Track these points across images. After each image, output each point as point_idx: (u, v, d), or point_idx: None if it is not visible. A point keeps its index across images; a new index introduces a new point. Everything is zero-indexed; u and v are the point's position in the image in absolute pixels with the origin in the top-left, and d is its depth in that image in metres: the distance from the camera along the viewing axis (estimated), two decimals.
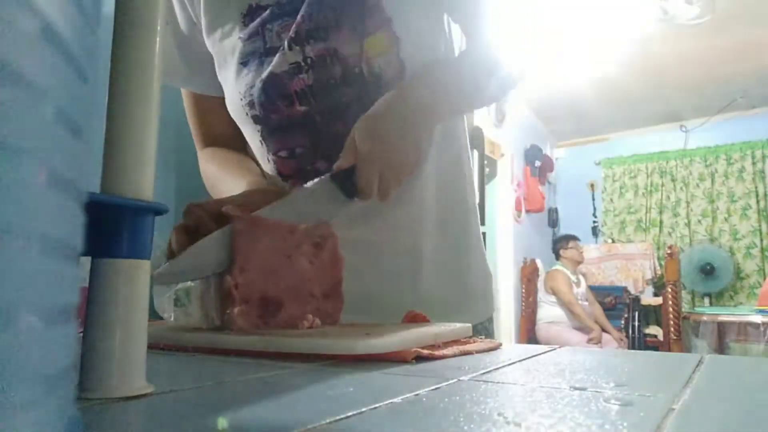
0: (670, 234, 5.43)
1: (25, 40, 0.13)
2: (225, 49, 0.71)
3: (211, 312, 0.53)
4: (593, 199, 5.90)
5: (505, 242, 4.89)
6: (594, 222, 5.85)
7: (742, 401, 0.32)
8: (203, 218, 0.53)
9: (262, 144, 0.72)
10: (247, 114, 0.70)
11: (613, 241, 5.54)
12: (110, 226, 0.31)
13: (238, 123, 0.74)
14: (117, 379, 0.29)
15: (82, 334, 0.30)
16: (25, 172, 0.13)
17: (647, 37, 3.87)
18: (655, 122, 5.52)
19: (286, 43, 0.66)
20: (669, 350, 4.19)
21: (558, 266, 4.47)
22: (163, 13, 0.33)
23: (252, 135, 0.73)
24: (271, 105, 0.68)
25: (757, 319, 4.00)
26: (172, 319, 0.56)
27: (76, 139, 0.15)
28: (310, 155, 0.69)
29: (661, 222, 5.49)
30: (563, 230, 5.54)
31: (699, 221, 5.31)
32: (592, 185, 5.93)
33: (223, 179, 0.73)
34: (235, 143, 0.79)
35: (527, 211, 5.22)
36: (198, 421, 0.26)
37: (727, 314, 4.25)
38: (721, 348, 4.15)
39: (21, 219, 0.12)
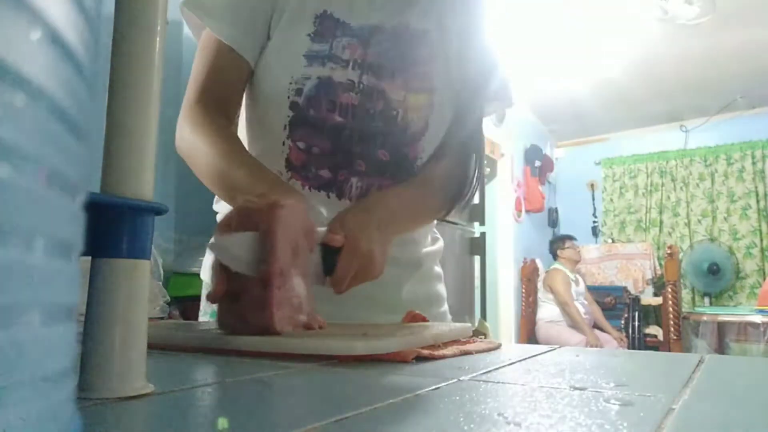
0: (670, 234, 5.43)
1: (25, 40, 0.13)
2: (289, 34, 0.78)
3: (254, 263, 0.51)
4: (593, 199, 5.90)
5: (505, 242, 4.89)
6: (594, 222, 5.84)
7: (742, 401, 0.32)
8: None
9: (285, 128, 0.77)
10: (288, 97, 0.77)
11: (613, 241, 5.54)
12: (110, 226, 0.30)
13: (268, 100, 0.78)
14: (117, 379, 0.29)
15: (82, 334, 0.30)
16: (26, 172, 0.13)
17: (647, 37, 3.87)
18: (655, 122, 5.52)
19: (351, 62, 0.78)
20: (669, 350, 4.19)
21: (557, 265, 4.47)
22: (163, 13, 0.33)
23: (278, 116, 0.77)
24: (316, 102, 0.76)
25: (757, 319, 4.01)
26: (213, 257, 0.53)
27: (76, 139, 0.15)
28: (323, 160, 0.77)
29: (661, 222, 5.49)
30: (563, 230, 5.54)
31: (699, 221, 5.30)
32: (592, 185, 5.92)
33: (201, 151, 0.73)
34: (229, 109, 0.80)
35: (527, 211, 5.21)
36: (198, 421, 0.26)
37: (727, 314, 4.25)
38: (721, 348, 4.16)
39: (22, 219, 0.12)
